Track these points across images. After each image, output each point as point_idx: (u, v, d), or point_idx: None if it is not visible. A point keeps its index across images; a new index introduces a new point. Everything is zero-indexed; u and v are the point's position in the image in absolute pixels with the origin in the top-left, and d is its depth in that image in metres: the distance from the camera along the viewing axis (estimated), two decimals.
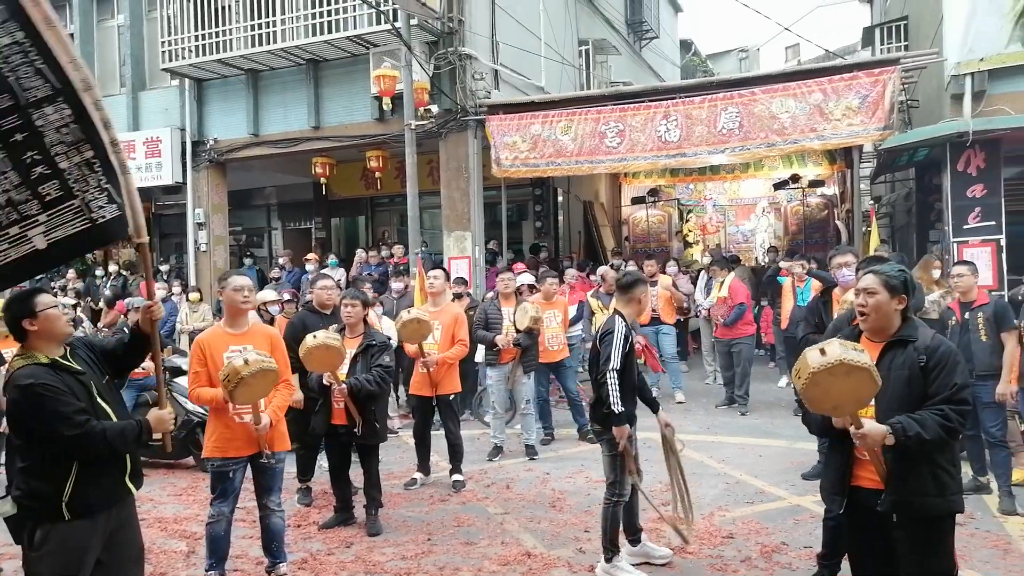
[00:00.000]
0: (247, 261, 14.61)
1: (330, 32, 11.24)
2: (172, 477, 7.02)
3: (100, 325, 10.92)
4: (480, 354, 7.69)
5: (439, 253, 12.59)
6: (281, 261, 13.42)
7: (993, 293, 7.60)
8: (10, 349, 3.55)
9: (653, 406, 4.78)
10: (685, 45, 26.26)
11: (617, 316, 4.54)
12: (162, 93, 13.72)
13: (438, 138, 11.49)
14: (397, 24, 10.21)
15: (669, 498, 5.68)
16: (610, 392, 4.31)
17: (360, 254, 12.90)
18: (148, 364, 7.63)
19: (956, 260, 8.41)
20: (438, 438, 6.65)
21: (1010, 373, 5.40)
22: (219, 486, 4.27)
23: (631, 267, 11.16)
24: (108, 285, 13.14)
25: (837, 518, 3.65)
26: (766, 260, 12.89)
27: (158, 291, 11.51)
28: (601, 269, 10.12)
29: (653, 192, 16.08)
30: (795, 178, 14.49)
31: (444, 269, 7.23)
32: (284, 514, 4.56)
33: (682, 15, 25.45)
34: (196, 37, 12.17)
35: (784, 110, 9.62)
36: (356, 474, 5.59)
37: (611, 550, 4.44)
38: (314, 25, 11.42)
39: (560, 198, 15.56)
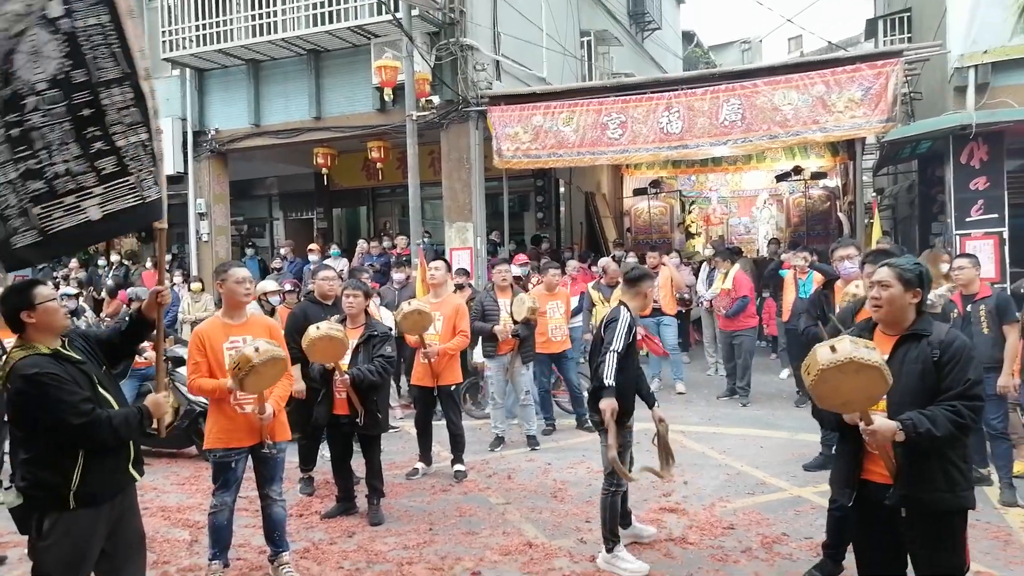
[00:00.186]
0: (248, 251, 14.61)
1: (331, 22, 11.19)
2: (175, 466, 7.05)
3: (103, 315, 10.94)
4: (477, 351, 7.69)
5: (441, 244, 12.59)
6: (283, 251, 13.42)
7: (995, 286, 7.61)
8: (8, 339, 3.56)
9: (649, 400, 4.79)
10: (687, 37, 26.14)
11: (623, 307, 4.59)
12: (163, 83, 13.66)
13: (439, 129, 11.46)
14: (398, 15, 10.17)
15: (669, 489, 5.72)
16: (606, 367, 4.32)
17: (362, 244, 12.90)
18: (151, 355, 7.68)
19: (958, 253, 8.41)
20: (439, 428, 6.67)
21: (1012, 365, 5.41)
22: (221, 476, 4.29)
23: (631, 258, 11.16)
24: (110, 275, 13.15)
25: (842, 508, 3.63)
26: (768, 252, 12.89)
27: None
28: (602, 261, 10.11)
29: (655, 183, 16.06)
30: (797, 170, 14.47)
31: (445, 260, 7.24)
32: (286, 503, 4.58)
33: (684, 6, 25.34)
34: (197, 27, 12.13)
35: (787, 102, 9.59)
36: (358, 464, 5.61)
37: (612, 540, 4.46)
38: (315, 15, 11.38)
39: (562, 189, 15.54)
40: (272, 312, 7.33)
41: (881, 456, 2.88)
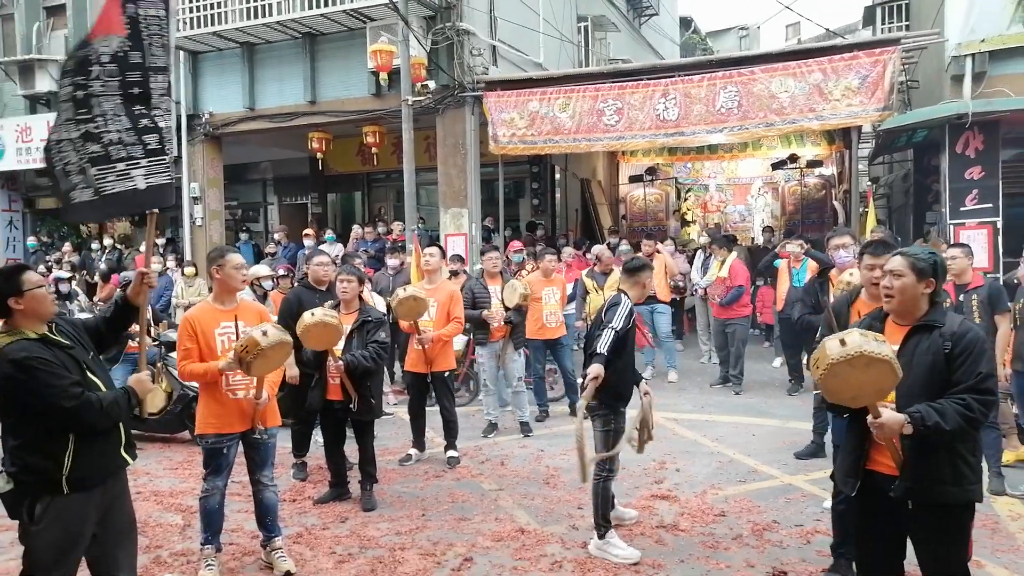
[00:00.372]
0: (243, 236, 14.57)
1: (326, 5, 11.10)
2: (168, 451, 7.05)
3: (96, 299, 10.92)
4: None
5: (435, 230, 12.56)
6: (277, 236, 13.37)
7: (989, 276, 7.63)
8: None
9: (635, 377, 4.75)
10: (685, 22, 26.01)
11: (623, 294, 4.64)
12: None
13: (435, 114, 11.40)
14: None
15: (661, 476, 5.74)
16: (603, 340, 4.29)
17: (356, 230, 12.86)
18: (144, 339, 7.67)
19: (952, 242, 8.42)
20: (433, 414, 6.68)
21: (1003, 355, 5.44)
22: (213, 462, 4.28)
23: (625, 246, 11.15)
24: (103, 259, 13.10)
25: (846, 502, 3.58)
26: (762, 240, 12.89)
27: (154, 265, 11.51)
28: (596, 248, 10.11)
29: (651, 171, 16.03)
30: (793, 158, 14.46)
31: (440, 246, 7.23)
32: (277, 489, 4.58)
33: None
34: (191, 9, 12.01)
35: (783, 89, 9.57)
36: (351, 450, 5.62)
37: (604, 526, 4.48)
38: None
39: (557, 175, 15.50)
40: (264, 297, 7.31)
41: (888, 448, 2.84)
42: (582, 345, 5.88)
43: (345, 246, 12.17)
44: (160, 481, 6.14)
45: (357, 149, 14.87)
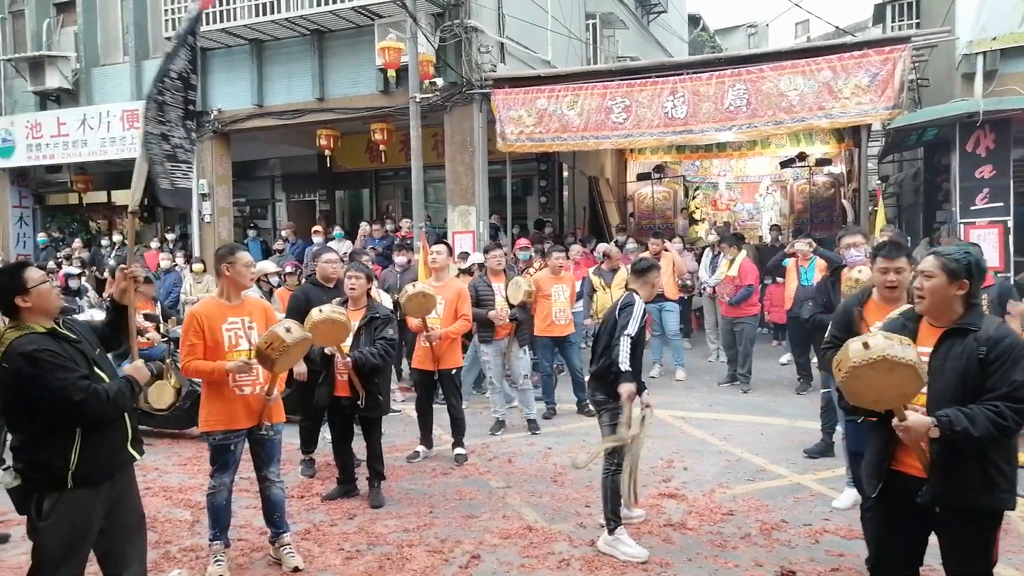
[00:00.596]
0: (250, 233, 14.61)
1: (335, 2, 11.11)
2: (177, 447, 7.08)
3: (105, 295, 10.96)
4: None
5: (442, 227, 12.58)
6: (284, 233, 13.40)
7: (999, 275, 7.59)
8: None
9: (639, 387, 4.77)
10: (693, 20, 25.93)
11: (634, 293, 4.67)
12: None
13: (443, 111, 11.41)
14: None
15: (669, 475, 5.75)
16: (621, 353, 4.40)
17: (364, 227, 12.88)
18: (153, 335, 7.71)
19: (962, 241, 8.37)
20: (440, 411, 6.69)
21: None
22: (220, 459, 4.28)
23: (632, 244, 11.14)
24: (113, 255, 13.16)
25: (873, 509, 3.58)
26: (770, 238, 12.85)
27: (163, 262, 11.51)
28: (602, 246, 10.09)
29: (659, 168, 15.99)
30: (802, 156, 14.40)
31: (447, 244, 7.22)
32: (284, 485, 4.59)
33: None
34: None
35: (792, 87, 9.53)
36: (359, 447, 5.63)
37: (614, 521, 4.48)
38: None
39: (565, 173, 15.48)
40: (270, 293, 7.32)
41: (915, 451, 2.78)
42: (590, 343, 5.88)
43: (354, 243, 12.19)
44: (169, 477, 6.16)
45: (365, 146, 14.88)
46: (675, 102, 10.10)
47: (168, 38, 12.39)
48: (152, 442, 7.11)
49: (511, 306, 7.10)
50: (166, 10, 12.31)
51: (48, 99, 14.42)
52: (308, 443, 6.25)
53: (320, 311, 4.84)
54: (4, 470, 3.17)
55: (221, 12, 11.91)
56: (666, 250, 9.88)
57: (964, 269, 2.79)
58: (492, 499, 5.43)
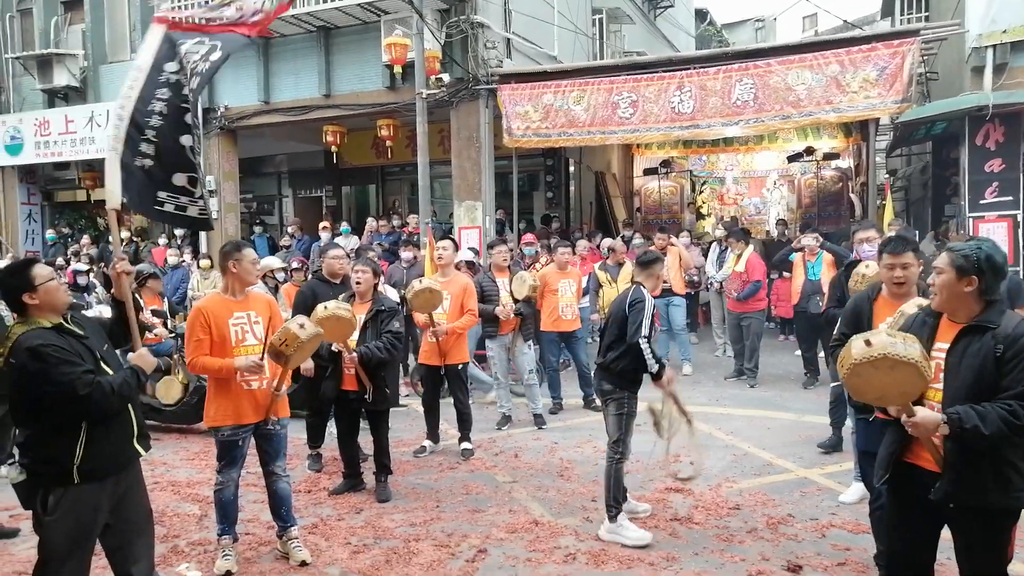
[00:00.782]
0: (256, 229, 14.64)
1: None
2: (184, 442, 7.11)
3: (113, 291, 10.99)
4: None
5: (448, 223, 12.58)
6: (290, 229, 13.44)
7: (1009, 269, 7.53)
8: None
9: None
10: (700, 14, 25.84)
11: (640, 287, 4.71)
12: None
13: (449, 107, 11.40)
14: None
15: (675, 469, 5.74)
16: (647, 357, 4.51)
17: (371, 223, 12.90)
18: (160, 331, 7.73)
19: (971, 236, 8.33)
20: (447, 406, 6.70)
21: None
22: (228, 454, 4.30)
23: (638, 239, 11.11)
24: (120, 251, 13.20)
25: (882, 507, 3.51)
26: (776, 233, 12.81)
27: (171, 258, 11.51)
28: (607, 241, 10.07)
29: (665, 163, 15.96)
30: (809, 151, 14.35)
31: (453, 239, 7.23)
32: (290, 479, 4.61)
33: None
34: (206, 2, 12.06)
35: (800, 82, 9.49)
36: (366, 441, 5.64)
37: (615, 508, 4.55)
38: None
39: (571, 168, 15.46)
40: (275, 289, 7.34)
41: (927, 446, 2.76)
42: (597, 339, 5.89)
43: (360, 239, 12.22)
44: (177, 471, 6.20)
45: (372, 142, 14.90)
46: (682, 97, 10.07)
47: None
48: (160, 437, 7.15)
49: (516, 301, 7.11)
50: (174, 7, 12.32)
51: (56, 97, 14.47)
52: (315, 438, 6.27)
53: (325, 307, 4.85)
54: (9, 465, 3.19)
55: None
56: (672, 245, 9.85)
57: (972, 265, 2.74)
58: (498, 493, 5.44)
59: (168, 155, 3.74)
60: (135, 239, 14.50)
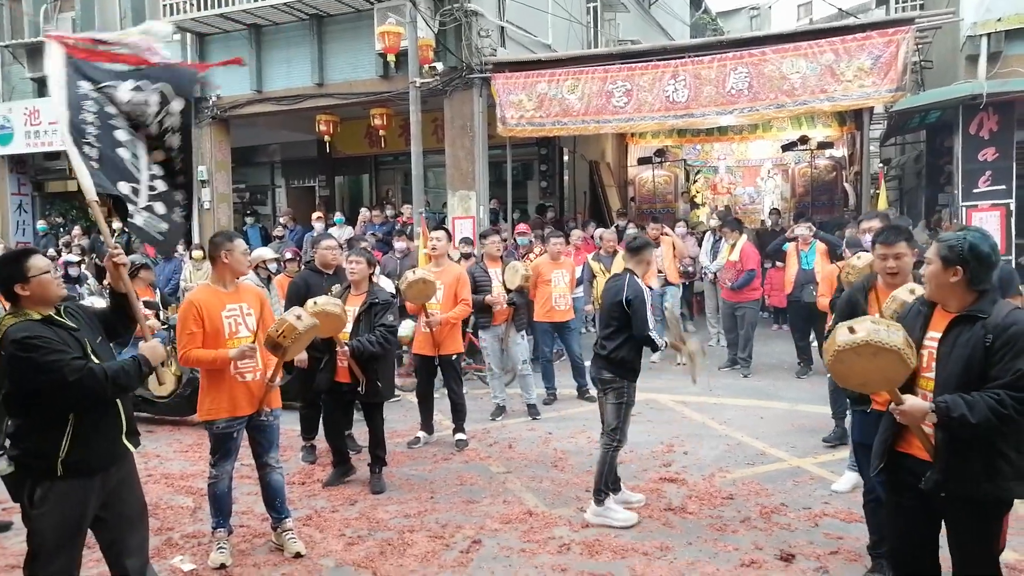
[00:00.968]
0: (249, 220, 14.58)
1: None
2: (177, 434, 7.10)
3: (106, 282, 10.94)
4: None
5: (441, 212, 12.54)
6: (282, 220, 13.38)
7: (1001, 258, 7.54)
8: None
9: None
10: (695, 2, 25.71)
11: (632, 275, 4.73)
12: (164, 48, 13.49)
13: (443, 96, 11.35)
14: None
15: (669, 459, 5.76)
16: (655, 342, 4.73)
17: (364, 213, 12.86)
18: (153, 322, 7.69)
19: (963, 225, 8.34)
20: (441, 397, 6.70)
21: None
22: (222, 447, 4.28)
23: (631, 229, 11.11)
24: (113, 242, 13.14)
25: (877, 500, 3.54)
26: (770, 223, 12.82)
27: None
28: (599, 231, 10.05)
29: (660, 153, 15.93)
30: (804, 140, 14.33)
31: (447, 230, 7.20)
32: (283, 471, 4.60)
33: None
34: None
35: (795, 70, 9.47)
36: (360, 432, 5.63)
37: (605, 492, 4.64)
38: None
39: (566, 158, 15.43)
40: (269, 280, 7.30)
41: (917, 435, 2.79)
42: (591, 329, 5.90)
43: (354, 229, 12.18)
44: (170, 464, 6.18)
45: (365, 131, 14.83)
46: (676, 86, 10.04)
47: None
48: (153, 429, 7.14)
49: (508, 291, 7.10)
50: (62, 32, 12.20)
51: (46, 85, 14.33)
52: (309, 430, 6.26)
53: (315, 303, 4.81)
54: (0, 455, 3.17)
55: None
56: (666, 234, 9.85)
57: (957, 256, 2.74)
58: (493, 484, 5.45)
59: (108, 162, 3.61)
60: (126, 230, 14.40)
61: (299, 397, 6.21)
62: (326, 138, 13.59)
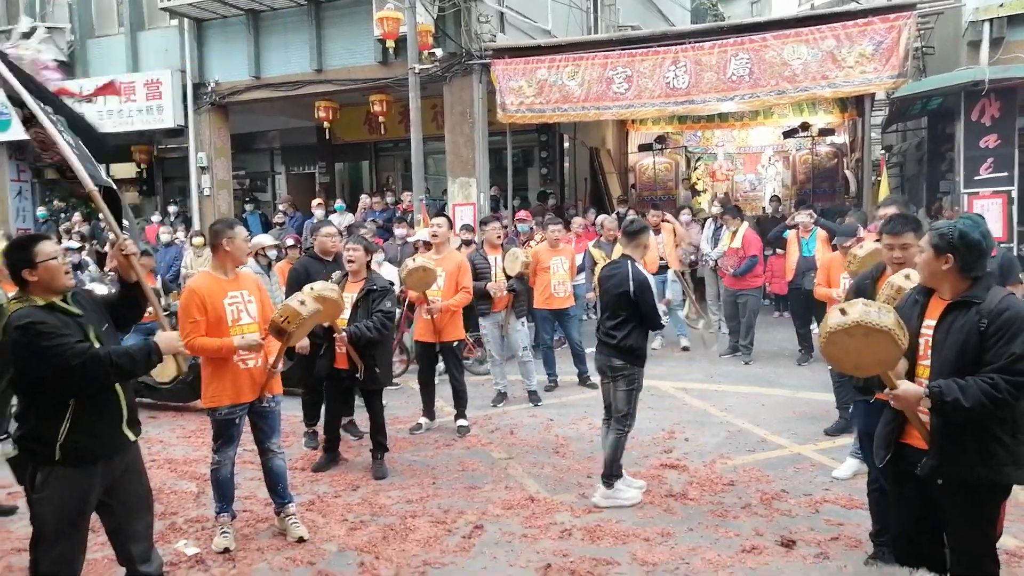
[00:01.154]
0: (248, 206, 14.54)
1: None
2: (181, 420, 7.12)
3: (107, 268, 10.95)
4: None
5: (441, 199, 12.51)
6: (282, 207, 13.36)
7: (1002, 245, 7.55)
8: (9, 291, 3.58)
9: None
10: None
11: (631, 263, 4.76)
12: (161, 33, 13.46)
13: (442, 82, 11.30)
14: None
15: (670, 446, 5.78)
16: (662, 320, 4.93)
17: (364, 200, 12.83)
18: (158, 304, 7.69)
19: (965, 212, 8.34)
20: (442, 383, 6.71)
21: None
22: (225, 433, 4.30)
23: (631, 216, 11.09)
24: (109, 229, 13.11)
25: (881, 489, 3.55)
26: (770, 210, 12.80)
27: (164, 235, 11.43)
28: (600, 218, 10.03)
29: (660, 139, 15.87)
30: (805, 126, 14.29)
31: (447, 217, 7.19)
32: (285, 456, 4.62)
33: None
34: None
35: (796, 56, 9.43)
36: (363, 419, 5.65)
37: (615, 477, 4.71)
38: None
39: (566, 144, 15.38)
40: (269, 267, 7.30)
41: (912, 422, 2.81)
42: (592, 316, 5.91)
43: (355, 216, 12.15)
44: (173, 449, 6.21)
45: (364, 118, 14.77)
46: (677, 72, 10.00)
47: (164, 9, 12.28)
48: (156, 415, 7.16)
49: (508, 278, 7.10)
50: None
51: None
52: (311, 416, 6.28)
53: (312, 288, 4.80)
54: (2, 440, 3.19)
55: None
56: (666, 221, 9.83)
57: (947, 243, 2.78)
58: (494, 470, 5.47)
59: (82, 154, 3.56)
60: (106, 221, 14.36)
61: (301, 383, 6.22)
62: (325, 125, 13.53)
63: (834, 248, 6.47)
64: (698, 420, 6.54)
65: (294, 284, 5.69)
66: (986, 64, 9.04)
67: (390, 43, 10.76)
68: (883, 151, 14.27)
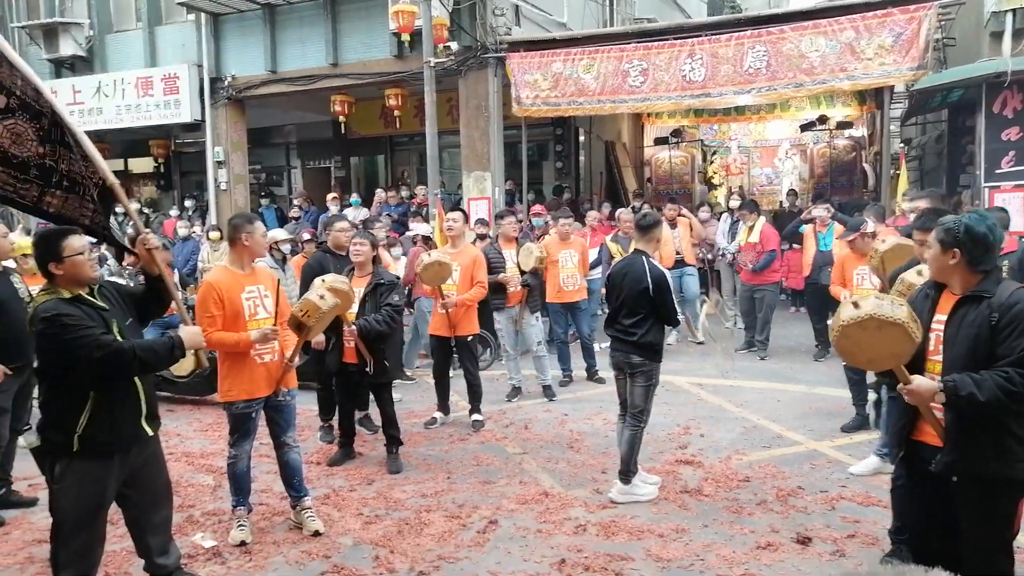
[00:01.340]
0: (264, 201, 14.60)
1: None
2: (198, 413, 7.18)
3: (125, 263, 11.04)
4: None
5: (456, 193, 12.51)
6: (297, 202, 13.41)
7: (1002, 237, 7.42)
8: (35, 285, 3.62)
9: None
10: None
11: (646, 258, 4.76)
12: (178, 28, 13.53)
13: (458, 76, 11.28)
14: None
15: (685, 441, 5.76)
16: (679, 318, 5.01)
17: (380, 194, 12.86)
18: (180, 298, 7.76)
19: (987, 206, 8.24)
20: (457, 378, 6.73)
21: None
22: (242, 427, 4.33)
23: (646, 210, 11.04)
24: (131, 224, 13.22)
25: (903, 482, 3.48)
26: (787, 204, 12.70)
27: (181, 229, 11.51)
28: (618, 211, 9.99)
29: (676, 133, 15.76)
30: (822, 119, 14.14)
31: (463, 211, 7.19)
32: (300, 450, 4.65)
33: None
34: None
35: (814, 49, 9.33)
36: (378, 414, 5.67)
37: (632, 472, 4.73)
38: None
39: (581, 138, 15.33)
40: (283, 261, 7.34)
41: (926, 417, 2.80)
42: (606, 309, 5.89)
43: (370, 210, 12.19)
44: (191, 442, 6.26)
45: (380, 112, 14.79)
46: (693, 65, 9.92)
47: (181, 4, 12.34)
48: (173, 408, 7.23)
49: (522, 272, 7.09)
50: None
51: (63, 67, 14.39)
52: (326, 410, 6.31)
53: (323, 280, 4.83)
54: (26, 430, 3.25)
55: None
56: (683, 216, 9.78)
57: (953, 238, 2.78)
58: (509, 465, 5.48)
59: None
60: (145, 210, 14.52)
61: (317, 378, 6.26)
62: (341, 119, 13.55)
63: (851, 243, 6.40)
64: (713, 416, 6.51)
65: (308, 279, 5.71)
66: (1008, 55, 8.90)
67: (405, 37, 10.77)
68: (902, 144, 14.11)
